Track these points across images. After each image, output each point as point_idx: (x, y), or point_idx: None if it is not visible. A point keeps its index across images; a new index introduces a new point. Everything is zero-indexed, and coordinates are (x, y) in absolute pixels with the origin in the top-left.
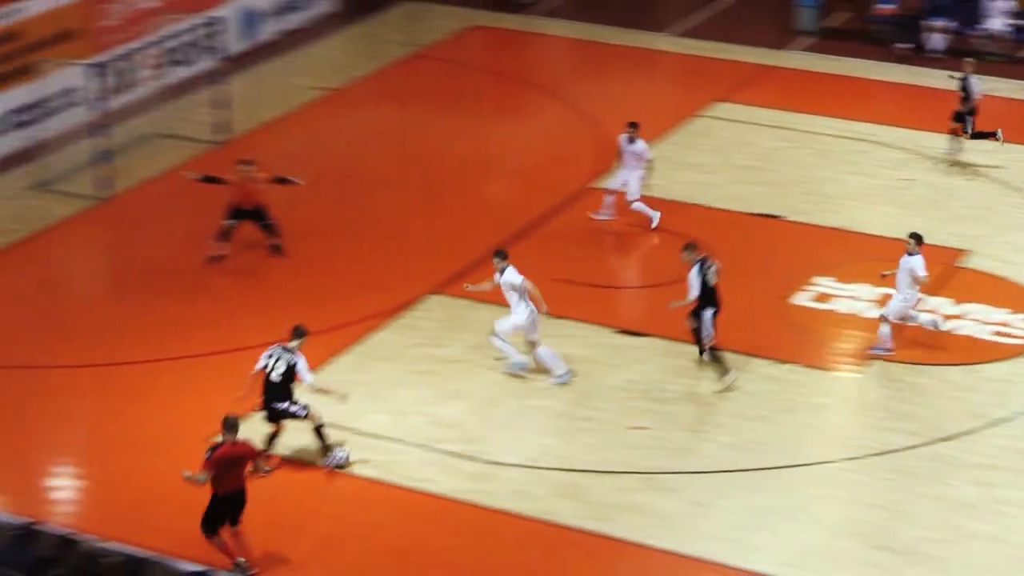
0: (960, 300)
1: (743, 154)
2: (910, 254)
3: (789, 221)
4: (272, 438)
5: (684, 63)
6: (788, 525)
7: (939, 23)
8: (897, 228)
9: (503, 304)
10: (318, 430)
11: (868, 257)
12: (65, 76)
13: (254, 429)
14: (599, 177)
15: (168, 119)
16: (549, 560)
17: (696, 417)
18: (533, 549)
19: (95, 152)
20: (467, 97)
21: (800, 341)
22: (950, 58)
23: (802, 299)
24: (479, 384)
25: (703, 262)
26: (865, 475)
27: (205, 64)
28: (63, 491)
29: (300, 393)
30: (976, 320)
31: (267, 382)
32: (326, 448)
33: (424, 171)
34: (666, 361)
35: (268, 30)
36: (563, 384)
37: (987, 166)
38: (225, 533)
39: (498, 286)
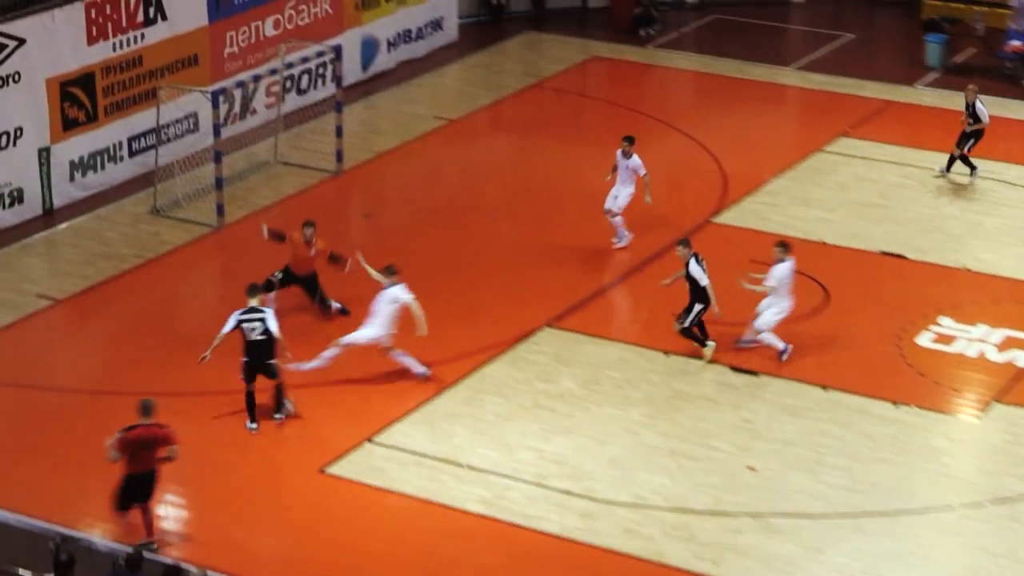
0: None
1: (866, 191)
2: (780, 261)
3: (911, 260)
4: (279, 393)
5: (808, 98)
6: (904, 572)
7: None
8: None
9: (623, 339)
10: (279, 387)
11: (992, 298)
12: (184, 103)
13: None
14: (720, 212)
15: (284, 147)
16: None
17: (811, 458)
18: None
19: (211, 179)
20: (585, 128)
21: (920, 383)
22: None
23: (924, 340)
24: (591, 420)
25: (697, 256)
26: (985, 522)
27: (323, 92)
28: (168, 520)
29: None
30: None
31: (252, 344)
32: (280, 404)
33: (541, 202)
34: (782, 400)
35: (386, 59)
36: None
37: None
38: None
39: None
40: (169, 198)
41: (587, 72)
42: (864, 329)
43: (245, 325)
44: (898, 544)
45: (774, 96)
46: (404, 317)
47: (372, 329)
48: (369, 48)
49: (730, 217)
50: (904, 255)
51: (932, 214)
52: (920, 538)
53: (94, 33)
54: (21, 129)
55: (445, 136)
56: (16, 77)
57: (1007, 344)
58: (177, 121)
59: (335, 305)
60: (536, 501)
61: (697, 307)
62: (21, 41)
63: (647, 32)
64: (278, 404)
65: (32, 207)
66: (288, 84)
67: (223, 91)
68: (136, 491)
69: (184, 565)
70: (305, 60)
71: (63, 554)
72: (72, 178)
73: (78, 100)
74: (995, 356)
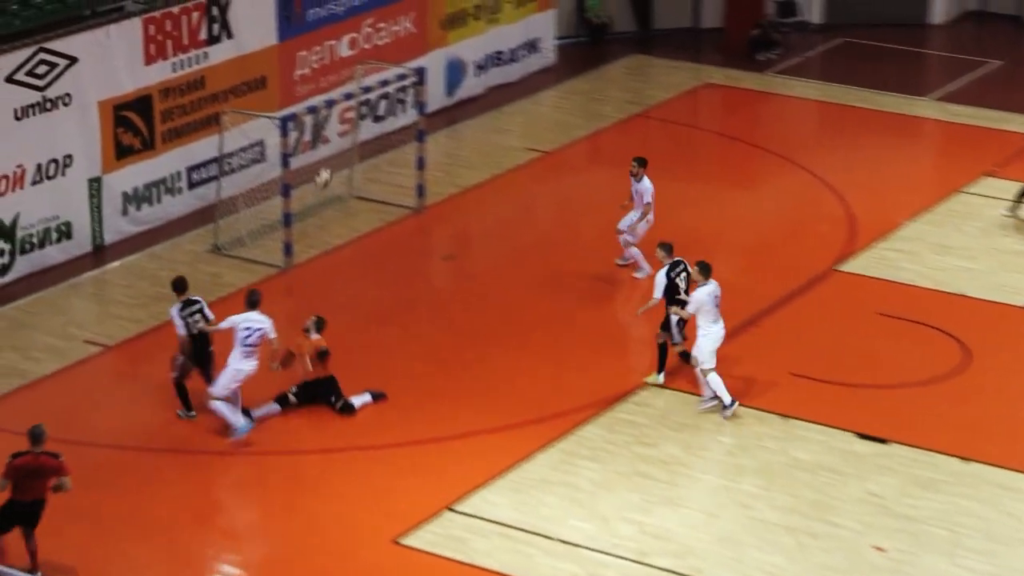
0: None
1: (1012, 237)
2: (704, 285)
3: None
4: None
5: (947, 132)
6: None
7: None
8: None
9: (735, 399)
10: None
11: None
12: (250, 130)
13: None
14: (846, 259)
15: (360, 180)
16: None
17: (947, 538)
18: None
19: (278, 214)
20: (695, 163)
21: None
22: None
23: None
24: (697, 490)
25: (675, 265)
26: None
27: (403, 120)
28: None
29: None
30: None
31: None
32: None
33: (645, 248)
34: (914, 472)
35: (474, 84)
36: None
37: None
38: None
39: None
40: (231, 235)
41: (698, 100)
42: (1009, 393)
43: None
44: None
45: (909, 130)
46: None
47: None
48: (455, 71)
49: (858, 265)
50: None
51: None
52: None
53: (152, 52)
54: (71, 157)
55: (538, 170)
56: (66, 99)
57: None
58: (242, 150)
59: (361, 400)
60: None
61: (673, 319)
62: (72, 60)
63: (766, 56)
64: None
65: (81, 243)
66: (365, 110)
67: (293, 117)
68: (18, 518)
69: None
70: (384, 84)
71: None
72: (125, 212)
73: (133, 126)
74: None
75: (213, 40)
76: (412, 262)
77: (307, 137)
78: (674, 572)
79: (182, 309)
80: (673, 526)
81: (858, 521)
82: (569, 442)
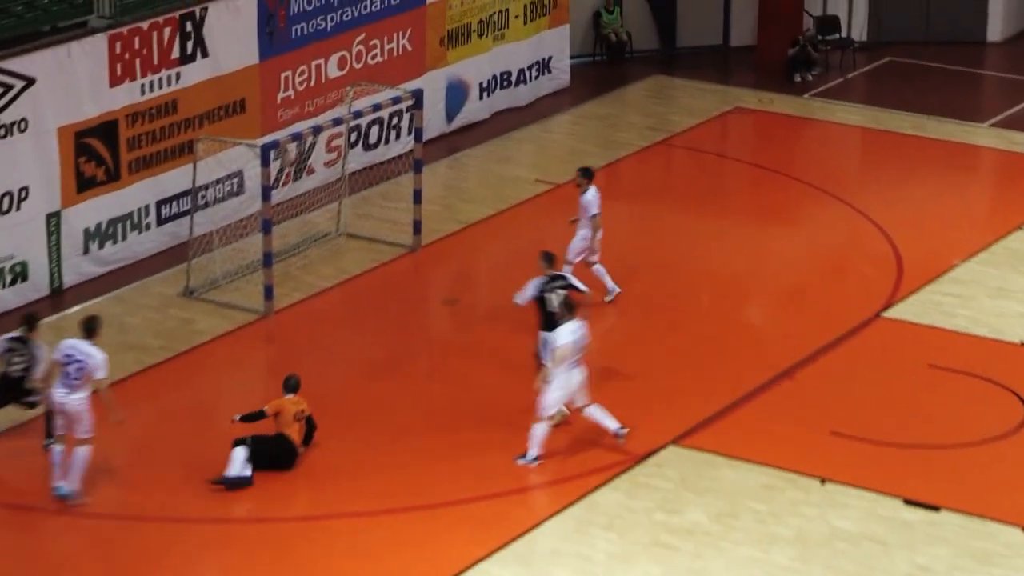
0: None
1: None
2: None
3: None
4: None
5: (1006, 161)
6: None
7: None
8: None
9: (768, 461)
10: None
11: None
12: (227, 159)
13: None
14: (893, 304)
15: (350, 215)
16: None
17: None
18: None
19: (258, 254)
20: (724, 196)
21: None
22: None
23: None
24: (725, 562)
25: (553, 279)
26: None
27: (398, 148)
28: None
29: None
30: None
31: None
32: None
33: (667, 290)
34: (968, 543)
35: (478, 108)
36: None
37: None
38: None
39: None
40: (206, 277)
41: (728, 126)
42: None
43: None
44: None
45: (963, 159)
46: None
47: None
48: (457, 94)
49: (906, 311)
50: None
51: None
52: None
53: (118, 72)
54: (26, 190)
55: (549, 204)
56: (22, 125)
57: None
58: (218, 181)
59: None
60: None
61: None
62: (29, 81)
63: (804, 77)
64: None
65: (38, 286)
66: (355, 137)
67: (275, 145)
68: None
69: None
70: (377, 108)
71: None
72: (87, 250)
73: (97, 154)
74: None
75: (187, 59)
76: (407, 308)
77: (290, 168)
78: None
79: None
80: None
81: None
82: (582, 508)
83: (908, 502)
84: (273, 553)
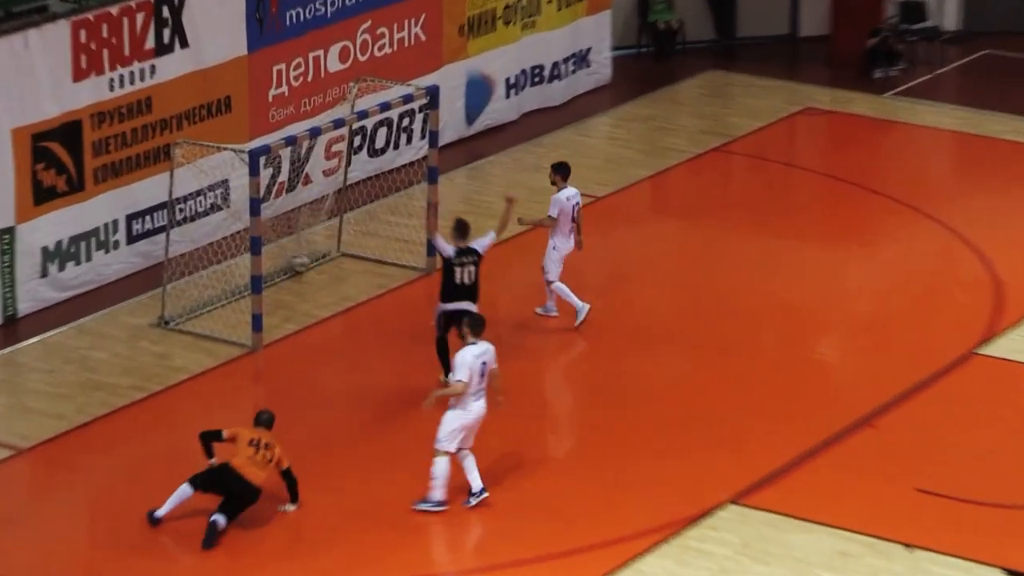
0: None
1: None
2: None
3: None
4: None
5: None
6: None
7: None
8: None
9: (842, 524)
10: None
11: None
12: (210, 166)
13: None
14: (991, 339)
15: (352, 232)
16: None
17: None
18: None
19: (245, 277)
20: (792, 212)
21: None
22: None
23: None
24: None
25: (466, 252)
26: None
27: (409, 154)
28: None
29: None
30: None
31: None
32: None
33: (722, 320)
34: None
35: (504, 108)
36: None
37: None
38: None
39: None
40: (184, 304)
41: (796, 130)
42: None
43: None
44: None
45: None
46: None
47: None
48: (479, 91)
49: (1006, 347)
50: None
51: None
52: None
53: (83, 64)
54: None
55: (586, 219)
56: None
57: None
58: (199, 193)
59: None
60: None
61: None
62: None
63: (886, 73)
64: None
65: None
66: (359, 141)
67: (266, 150)
68: None
69: None
70: (384, 108)
71: None
72: (45, 273)
73: (57, 161)
74: None
75: (163, 50)
76: (418, 342)
77: (284, 176)
78: None
79: None
80: None
81: None
82: None
83: (1009, 572)
84: None
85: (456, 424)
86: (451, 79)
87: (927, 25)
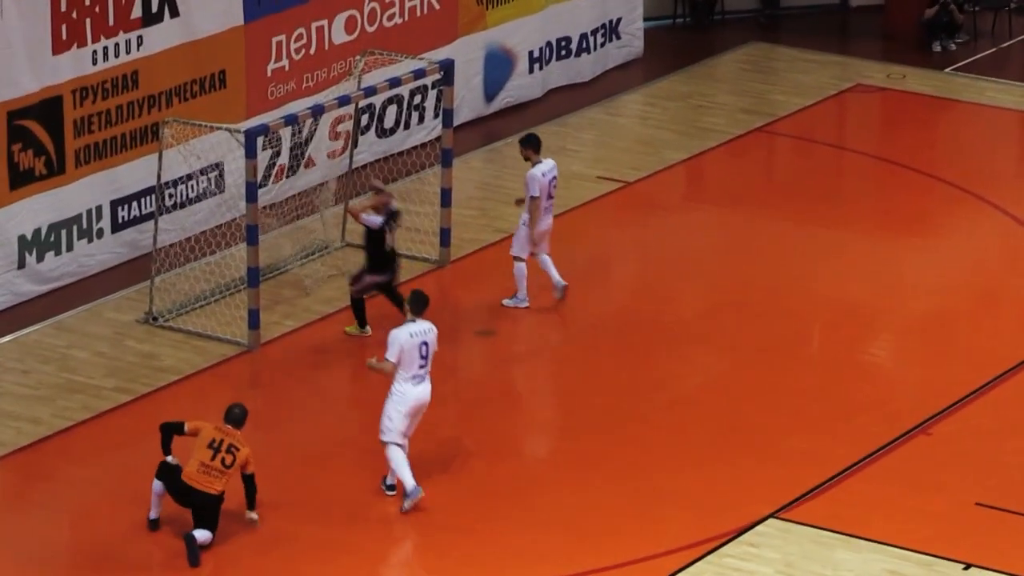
0: None
1: None
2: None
3: None
4: None
5: None
6: None
7: None
8: None
9: (894, 541)
10: None
11: None
12: (202, 148)
13: None
14: None
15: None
16: None
17: None
18: None
19: (241, 269)
20: (843, 200)
21: None
22: None
23: None
24: None
25: (393, 215)
26: None
27: (421, 135)
28: None
29: None
30: None
31: None
32: None
33: (762, 318)
34: None
35: (526, 85)
36: None
37: None
38: None
39: None
40: (173, 299)
41: (847, 108)
42: None
43: None
44: None
45: None
46: None
47: None
48: (498, 65)
49: None
50: None
51: None
52: None
53: (63, 35)
54: None
55: (614, 207)
56: None
57: None
58: (190, 176)
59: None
60: None
61: (368, 276)
62: None
63: (945, 46)
64: None
65: None
66: (366, 121)
67: (264, 130)
68: None
69: None
70: (394, 83)
71: None
72: (22, 264)
73: (36, 141)
74: None
75: (151, 19)
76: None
77: (284, 160)
78: None
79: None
80: None
81: None
82: None
83: None
84: None
85: (394, 412)
86: (468, 52)
87: None
